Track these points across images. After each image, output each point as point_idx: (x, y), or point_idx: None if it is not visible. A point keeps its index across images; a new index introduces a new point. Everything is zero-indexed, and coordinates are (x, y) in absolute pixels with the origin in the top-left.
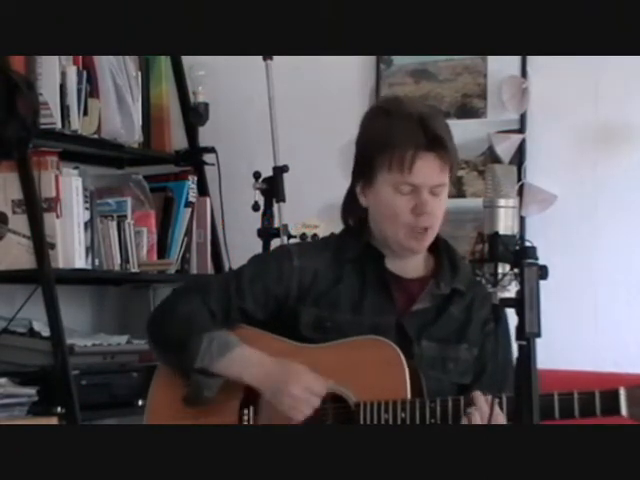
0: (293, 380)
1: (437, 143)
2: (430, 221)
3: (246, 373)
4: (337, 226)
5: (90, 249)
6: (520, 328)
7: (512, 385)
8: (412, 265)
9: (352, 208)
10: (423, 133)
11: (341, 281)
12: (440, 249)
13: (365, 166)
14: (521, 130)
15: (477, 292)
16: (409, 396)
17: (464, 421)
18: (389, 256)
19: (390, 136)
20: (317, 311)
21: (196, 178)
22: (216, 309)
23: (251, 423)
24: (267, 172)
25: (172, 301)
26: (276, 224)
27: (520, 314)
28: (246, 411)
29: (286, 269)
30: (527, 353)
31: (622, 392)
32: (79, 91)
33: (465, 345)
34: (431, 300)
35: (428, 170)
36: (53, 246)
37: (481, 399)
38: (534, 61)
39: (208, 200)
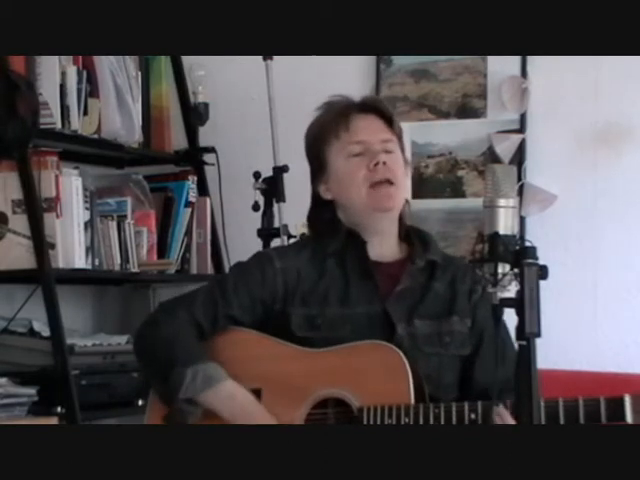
0: None
1: (368, 105)
2: (388, 173)
3: (227, 411)
4: None
5: (90, 249)
6: (520, 328)
7: (514, 352)
8: (388, 248)
9: (320, 215)
10: (353, 103)
11: (324, 276)
12: (410, 234)
13: (317, 158)
14: (521, 130)
15: (457, 267)
16: (413, 401)
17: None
18: (367, 241)
19: (325, 120)
20: (306, 310)
21: (196, 178)
22: (203, 320)
23: None
24: (267, 172)
25: (157, 320)
26: (276, 224)
27: (520, 314)
28: None
29: (269, 272)
30: (527, 353)
31: (627, 399)
32: (79, 91)
33: (456, 317)
34: (412, 278)
35: (368, 126)
36: (53, 246)
37: (505, 413)
38: (534, 61)
39: (208, 200)
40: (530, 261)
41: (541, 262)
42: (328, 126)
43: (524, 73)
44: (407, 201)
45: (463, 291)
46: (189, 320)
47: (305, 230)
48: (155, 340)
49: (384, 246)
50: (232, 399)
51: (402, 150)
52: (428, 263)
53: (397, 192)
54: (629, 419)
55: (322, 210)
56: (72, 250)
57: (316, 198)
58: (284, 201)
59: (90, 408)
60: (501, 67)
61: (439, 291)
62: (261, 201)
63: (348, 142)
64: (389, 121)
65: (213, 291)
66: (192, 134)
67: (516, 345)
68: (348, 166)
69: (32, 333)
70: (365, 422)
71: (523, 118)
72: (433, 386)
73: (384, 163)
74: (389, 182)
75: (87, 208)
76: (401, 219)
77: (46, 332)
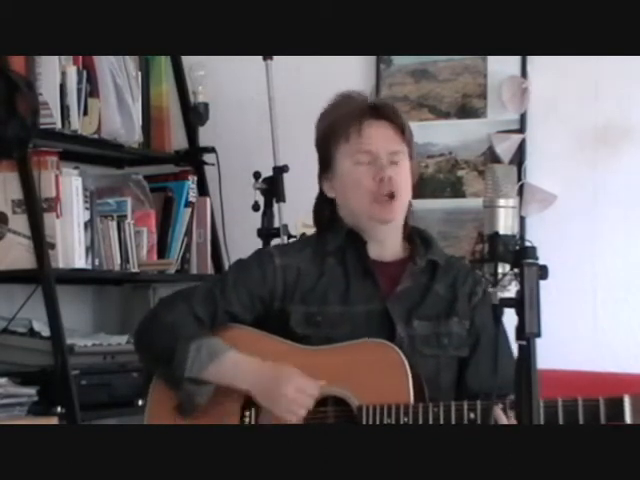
0: (285, 382)
1: (382, 112)
2: (392, 187)
3: (238, 378)
4: None
5: (90, 249)
6: (520, 328)
7: (510, 356)
8: (390, 249)
9: (323, 210)
10: (367, 107)
11: (324, 274)
12: (412, 234)
13: (324, 156)
14: (521, 130)
15: (459, 268)
16: (412, 400)
17: None
18: (367, 241)
19: (338, 118)
20: (306, 308)
21: (196, 178)
22: (203, 315)
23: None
24: (267, 172)
25: (157, 313)
26: (276, 224)
27: (520, 314)
28: (247, 412)
29: (269, 270)
30: (527, 353)
31: (627, 400)
32: (79, 91)
33: (455, 319)
34: (413, 278)
35: (379, 135)
36: (53, 246)
37: (502, 415)
38: (534, 61)
39: (208, 200)
40: (530, 261)
41: (541, 262)
42: (340, 127)
43: (524, 73)
44: (411, 203)
45: (463, 293)
46: (189, 313)
47: (305, 230)
48: (156, 330)
49: (385, 246)
50: (239, 364)
51: (411, 157)
52: (429, 264)
53: (399, 205)
54: (628, 420)
55: (325, 206)
56: (72, 250)
57: (321, 193)
58: (284, 201)
59: (90, 408)
60: (501, 67)
61: (439, 292)
62: (261, 201)
63: (357, 149)
64: (401, 129)
65: (213, 287)
66: (192, 134)
67: (516, 345)
68: (354, 173)
69: (32, 333)
70: (364, 421)
71: (523, 118)
72: (431, 388)
73: (389, 178)
74: (392, 196)
75: (87, 208)
76: (405, 221)
77: (46, 332)
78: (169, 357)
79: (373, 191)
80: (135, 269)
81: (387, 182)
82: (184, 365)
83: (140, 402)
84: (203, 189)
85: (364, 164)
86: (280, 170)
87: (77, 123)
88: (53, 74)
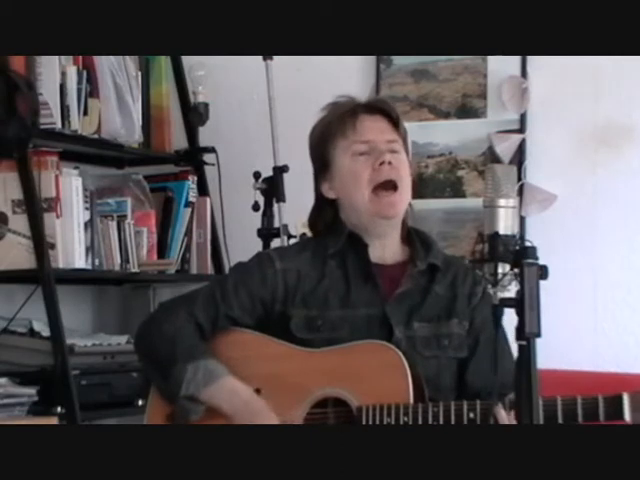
0: (263, 420)
1: (375, 107)
2: (392, 174)
3: (227, 405)
4: None
5: (90, 249)
6: (520, 328)
7: (510, 356)
8: (390, 250)
9: (324, 214)
10: (360, 104)
11: (325, 278)
12: (412, 236)
13: (322, 156)
14: (521, 130)
15: (458, 269)
16: (411, 400)
17: None
18: (369, 244)
19: (332, 119)
20: (306, 311)
21: (196, 178)
22: (203, 320)
23: None
24: (267, 172)
25: (157, 319)
26: (276, 224)
27: (520, 314)
28: None
29: (269, 273)
30: (527, 353)
31: (626, 397)
32: (79, 91)
33: (455, 320)
34: (413, 281)
35: (374, 126)
36: (53, 246)
37: (501, 412)
38: (534, 61)
39: (208, 200)
40: (530, 261)
41: (541, 262)
42: (335, 125)
43: (524, 73)
44: (410, 204)
45: (463, 294)
46: (189, 320)
47: (305, 230)
48: (155, 338)
49: (386, 249)
50: (233, 395)
51: (407, 152)
52: (429, 266)
53: (401, 199)
54: (627, 417)
55: (324, 210)
56: (72, 250)
57: (319, 197)
58: (284, 201)
59: (90, 408)
60: (501, 67)
61: (439, 294)
62: (261, 201)
63: (354, 141)
64: (395, 122)
65: (213, 292)
66: (192, 134)
67: (516, 345)
68: (353, 165)
69: (32, 333)
70: (364, 421)
71: (523, 118)
72: (432, 388)
73: (389, 163)
74: (394, 187)
75: (87, 208)
76: (403, 221)
77: (46, 332)
78: (167, 372)
79: (373, 180)
80: (135, 269)
81: (387, 168)
82: (180, 385)
83: (140, 402)
84: (203, 189)
85: (362, 154)
86: (280, 170)
87: (77, 123)
88: (53, 74)
